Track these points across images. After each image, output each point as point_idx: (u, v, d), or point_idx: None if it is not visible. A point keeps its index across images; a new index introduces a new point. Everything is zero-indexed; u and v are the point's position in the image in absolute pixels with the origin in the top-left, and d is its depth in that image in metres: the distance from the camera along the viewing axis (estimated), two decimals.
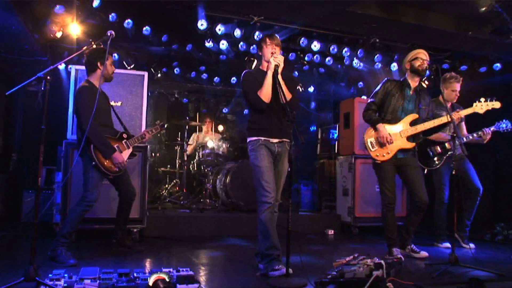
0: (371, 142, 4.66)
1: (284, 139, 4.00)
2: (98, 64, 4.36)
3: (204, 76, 8.04)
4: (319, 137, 8.47)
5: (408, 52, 4.81)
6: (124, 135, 4.56)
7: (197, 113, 8.95)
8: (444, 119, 4.53)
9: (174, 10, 5.69)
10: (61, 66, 6.72)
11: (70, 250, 4.12)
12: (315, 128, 9.90)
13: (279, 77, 3.84)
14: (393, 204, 4.64)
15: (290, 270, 3.53)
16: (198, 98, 9.43)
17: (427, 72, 4.60)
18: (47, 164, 6.42)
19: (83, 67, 5.37)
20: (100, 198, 5.03)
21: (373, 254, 3.69)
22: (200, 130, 8.01)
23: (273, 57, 3.86)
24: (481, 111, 4.68)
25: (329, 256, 4.24)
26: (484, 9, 4.85)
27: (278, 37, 4.06)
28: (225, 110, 10.36)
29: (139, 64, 7.16)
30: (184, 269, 3.33)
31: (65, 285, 3.00)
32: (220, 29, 6.04)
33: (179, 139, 7.68)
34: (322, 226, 6.84)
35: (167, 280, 2.60)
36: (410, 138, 4.61)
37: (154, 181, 7.98)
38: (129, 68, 6.81)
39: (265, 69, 3.98)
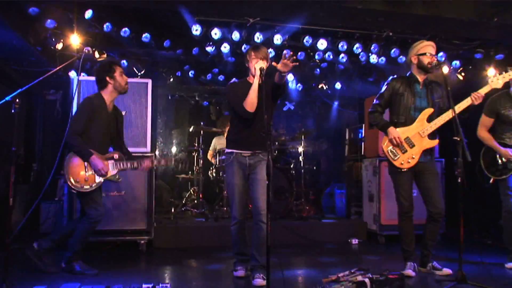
0: (391, 151, 4.24)
1: (257, 151, 4.02)
2: (107, 78, 4.23)
3: (221, 77, 7.70)
4: (347, 137, 7.89)
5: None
6: (115, 156, 4.30)
7: (219, 116, 8.71)
8: (449, 113, 3.98)
9: (166, 16, 5.47)
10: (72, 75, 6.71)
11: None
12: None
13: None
14: (409, 213, 4.29)
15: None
16: (218, 100, 9.10)
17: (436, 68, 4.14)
18: None
19: (87, 79, 5.49)
20: None
21: (382, 269, 3.74)
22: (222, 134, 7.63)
23: (256, 64, 3.86)
24: (499, 86, 4.14)
25: (334, 269, 4.04)
26: None
27: (281, 38, 4.37)
28: None
29: (150, 70, 7.00)
30: (164, 285, 3.54)
31: None
32: (216, 33, 5.70)
33: (196, 144, 7.44)
34: (347, 234, 6.41)
35: None
36: (431, 136, 4.21)
37: (172, 189, 7.88)
38: (139, 74, 6.69)
39: (251, 81, 3.95)
